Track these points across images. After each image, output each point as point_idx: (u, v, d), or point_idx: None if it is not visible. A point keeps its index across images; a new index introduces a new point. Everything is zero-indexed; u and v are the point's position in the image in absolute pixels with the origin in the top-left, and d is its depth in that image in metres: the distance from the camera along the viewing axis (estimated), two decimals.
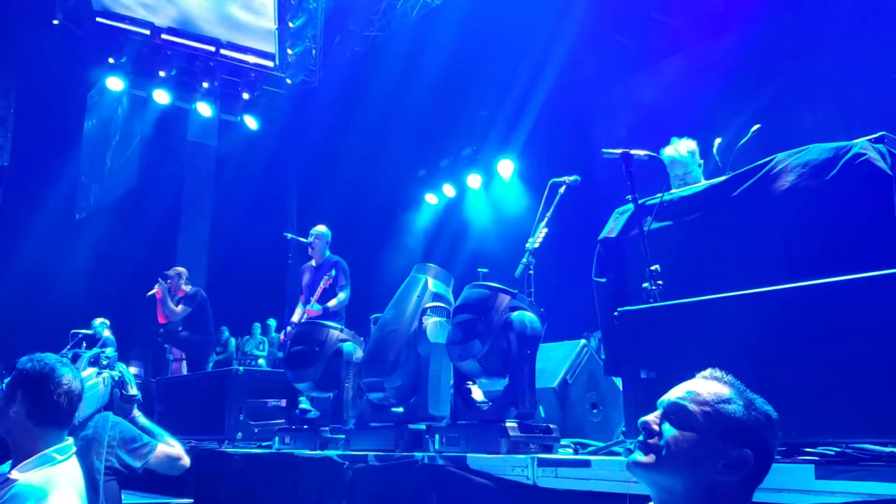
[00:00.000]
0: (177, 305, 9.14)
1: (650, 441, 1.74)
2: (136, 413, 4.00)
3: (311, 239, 8.34)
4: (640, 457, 1.73)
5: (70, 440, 2.79)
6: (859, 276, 2.44)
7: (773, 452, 1.76)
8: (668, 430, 1.72)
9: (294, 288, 9.48)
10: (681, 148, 5.29)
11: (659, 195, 3.91)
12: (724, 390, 1.76)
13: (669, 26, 10.49)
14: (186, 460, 3.97)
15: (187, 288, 9.40)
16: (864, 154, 3.06)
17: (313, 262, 8.40)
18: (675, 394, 1.78)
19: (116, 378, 3.96)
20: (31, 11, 13.43)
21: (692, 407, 1.72)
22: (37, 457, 2.63)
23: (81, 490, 2.75)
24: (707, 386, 1.77)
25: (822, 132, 7.62)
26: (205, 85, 15.25)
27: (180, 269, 9.59)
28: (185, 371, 9.38)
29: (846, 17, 8.64)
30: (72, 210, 14.63)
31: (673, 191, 4.20)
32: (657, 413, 1.78)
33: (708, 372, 1.83)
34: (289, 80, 15.80)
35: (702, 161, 5.31)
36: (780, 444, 2.68)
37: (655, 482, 1.73)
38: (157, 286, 9.28)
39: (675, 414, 1.74)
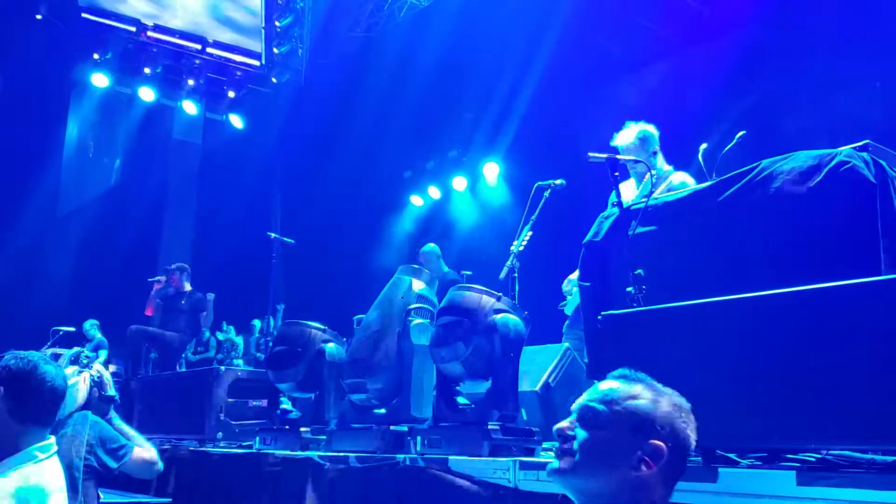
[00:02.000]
0: (182, 300, 9.18)
1: (565, 447, 1.75)
2: (112, 414, 3.98)
3: None
4: (557, 464, 1.75)
5: (52, 439, 2.77)
6: (842, 284, 2.45)
7: (688, 442, 1.77)
8: (581, 433, 1.74)
9: (277, 287, 9.48)
10: (628, 136, 5.10)
11: (644, 200, 3.92)
12: (633, 387, 1.78)
13: (654, 32, 10.53)
14: (160, 465, 3.95)
15: (188, 286, 9.42)
16: (849, 162, 3.08)
17: None
18: (585, 397, 1.80)
19: (96, 378, 3.94)
20: (14, 6, 13.32)
21: (601, 407, 1.74)
22: (18, 455, 2.61)
23: (63, 488, 2.73)
24: (615, 385, 1.79)
25: (805, 139, 7.65)
26: (190, 82, 15.17)
27: (184, 265, 9.61)
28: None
29: (830, 24, 8.69)
30: (55, 207, 14.52)
31: (657, 195, 4.21)
32: (571, 419, 1.79)
33: (617, 372, 1.85)
34: (274, 80, 15.75)
35: (657, 148, 5.11)
36: (762, 450, 2.73)
37: (576, 487, 1.74)
38: (160, 277, 9.33)
39: (586, 416, 1.75)
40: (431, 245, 8.37)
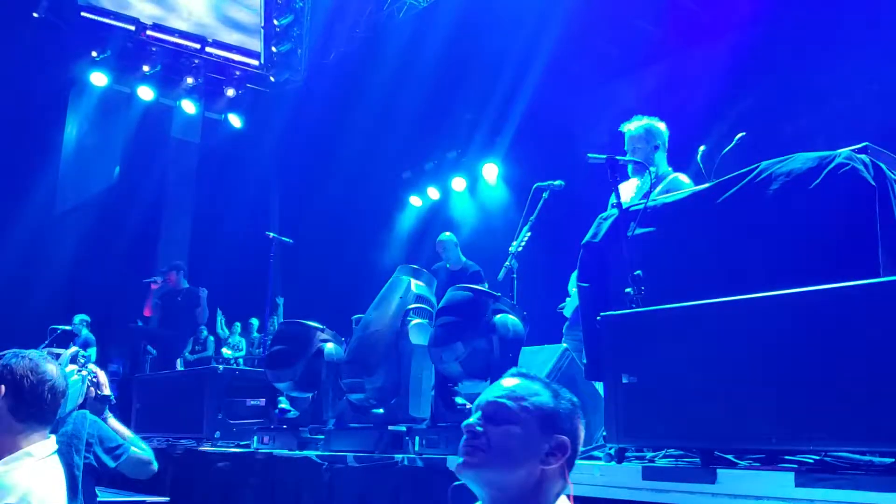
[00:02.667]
0: (178, 297, 9.21)
1: (475, 442, 1.81)
2: (108, 414, 3.98)
3: None
4: (468, 458, 1.81)
5: (52, 437, 2.76)
6: (841, 286, 2.46)
7: (581, 436, 1.90)
8: (492, 429, 1.81)
9: (275, 287, 9.48)
10: (637, 124, 5.10)
11: (643, 201, 3.92)
12: (533, 384, 1.88)
13: (653, 34, 10.53)
14: (155, 465, 3.95)
15: (184, 283, 9.44)
16: (848, 164, 3.08)
17: None
18: (490, 394, 1.88)
19: (92, 378, 3.94)
20: (13, 4, 13.30)
21: (511, 403, 1.83)
22: (18, 453, 2.60)
23: (62, 486, 2.73)
24: (517, 382, 1.89)
25: (803, 141, 7.66)
26: (189, 81, 15.16)
27: (178, 263, 9.64)
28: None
29: (828, 27, 8.71)
30: (53, 205, 14.50)
31: (655, 195, 4.21)
32: (477, 416, 1.86)
33: (514, 371, 1.95)
34: (273, 79, 15.74)
35: (658, 144, 5.09)
36: (760, 452, 2.74)
37: (487, 480, 1.80)
38: (156, 278, 9.37)
39: (496, 413, 1.83)
40: (448, 234, 8.30)
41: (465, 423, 1.86)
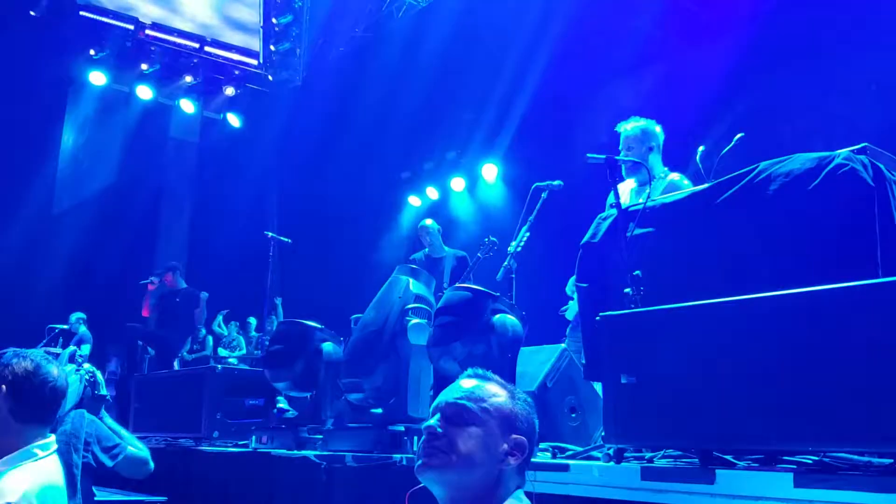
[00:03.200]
0: (176, 298, 9.24)
1: (436, 443, 1.83)
2: (104, 413, 3.97)
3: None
4: (430, 460, 1.83)
5: (52, 437, 2.77)
6: (839, 286, 2.46)
7: (536, 434, 1.94)
8: (454, 430, 1.84)
9: (273, 286, 9.47)
10: (634, 124, 5.12)
11: (642, 201, 3.92)
12: (490, 385, 1.93)
13: (652, 34, 10.53)
14: (151, 465, 3.95)
15: (181, 283, 9.46)
16: (847, 165, 3.08)
17: None
18: (450, 396, 1.91)
19: (88, 377, 3.94)
20: (11, 3, 13.29)
21: (471, 405, 1.86)
22: (18, 452, 2.61)
23: (62, 486, 2.73)
24: (475, 383, 1.93)
25: (801, 142, 7.66)
26: (187, 79, 15.16)
27: (175, 263, 9.67)
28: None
29: (826, 27, 8.71)
30: (51, 204, 14.49)
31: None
32: (437, 417, 1.88)
33: (470, 371, 1.98)
34: (272, 78, 15.74)
35: (653, 145, 5.10)
36: (759, 452, 2.73)
37: (448, 481, 1.83)
38: (153, 279, 9.40)
39: (457, 414, 1.86)
40: (429, 221, 8.22)
41: (424, 424, 1.89)
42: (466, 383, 1.93)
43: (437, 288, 6.38)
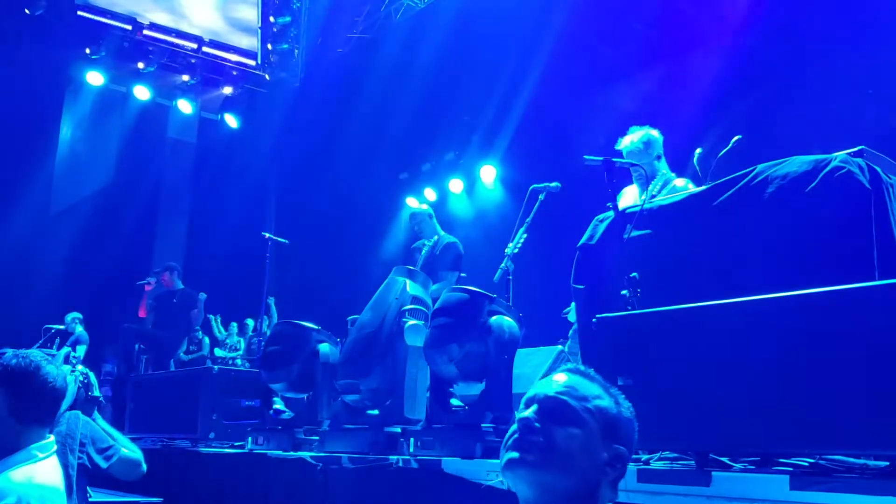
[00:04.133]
0: (173, 298, 9.25)
1: (533, 438, 1.62)
2: (96, 415, 3.98)
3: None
4: (526, 455, 1.61)
5: (51, 438, 2.76)
6: (836, 289, 2.46)
7: (635, 447, 1.73)
8: (553, 428, 1.62)
9: (271, 287, 9.47)
10: (633, 139, 5.10)
11: (639, 203, 3.92)
12: (594, 386, 1.71)
13: (650, 37, 10.54)
14: (144, 466, 3.95)
15: (179, 284, 9.48)
16: (844, 167, 3.09)
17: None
18: (549, 389, 1.68)
19: (82, 379, 3.94)
20: (8, 2, 13.27)
21: (574, 402, 1.65)
22: (17, 454, 2.60)
23: (61, 487, 2.73)
24: (579, 381, 1.70)
25: (799, 144, 7.67)
26: (184, 78, 15.14)
27: (173, 263, 9.69)
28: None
29: (824, 30, 8.72)
30: (48, 205, 14.47)
31: (654, 199, 4.21)
32: (533, 409, 1.66)
33: (573, 366, 1.77)
34: (268, 78, 15.73)
35: (659, 153, 5.10)
36: (755, 454, 2.73)
37: (541, 483, 1.62)
38: (150, 279, 9.42)
39: (558, 410, 1.64)
40: (422, 206, 7.90)
41: (520, 415, 1.67)
42: (565, 378, 1.70)
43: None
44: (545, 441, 1.60)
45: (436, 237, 7.24)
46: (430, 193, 14.98)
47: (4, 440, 2.62)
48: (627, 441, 1.67)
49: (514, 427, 1.66)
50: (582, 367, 1.75)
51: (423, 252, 7.15)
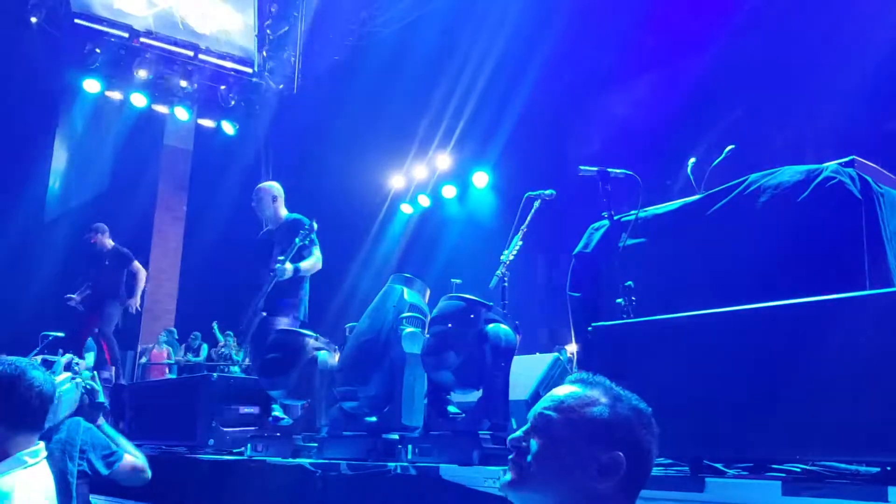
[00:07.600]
0: (105, 260, 9.09)
1: (516, 458, 1.66)
2: (102, 421, 3.98)
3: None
4: (506, 475, 1.66)
5: (41, 444, 2.78)
6: (827, 298, 2.49)
7: (649, 450, 1.66)
8: (534, 443, 1.63)
9: None
10: None
11: (634, 212, 3.96)
12: (590, 392, 1.67)
13: (643, 45, 10.59)
14: (148, 473, 3.96)
15: (109, 243, 9.37)
16: (835, 177, 3.13)
17: None
18: (541, 405, 1.69)
19: (86, 385, 3.95)
20: (6, 10, 13.28)
21: (555, 415, 1.64)
22: (7, 460, 2.62)
23: (51, 494, 2.74)
24: (571, 390, 1.68)
25: (792, 153, 7.72)
26: (182, 84, 15.16)
27: (99, 224, 9.54)
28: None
29: (816, 39, 8.78)
30: (44, 211, 14.47)
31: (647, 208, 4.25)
32: (525, 428, 1.68)
33: (575, 376, 1.75)
34: (264, 84, 15.76)
35: None
36: (748, 460, 2.77)
37: (529, 499, 1.64)
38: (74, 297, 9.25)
39: (539, 424, 1.65)
40: (270, 182, 7.61)
41: (510, 436, 1.70)
42: (562, 390, 1.69)
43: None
44: (530, 460, 1.62)
45: (281, 219, 7.26)
46: (424, 200, 15.01)
47: None
48: (627, 443, 1.62)
49: None
50: (584, 375, 1.74)
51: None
